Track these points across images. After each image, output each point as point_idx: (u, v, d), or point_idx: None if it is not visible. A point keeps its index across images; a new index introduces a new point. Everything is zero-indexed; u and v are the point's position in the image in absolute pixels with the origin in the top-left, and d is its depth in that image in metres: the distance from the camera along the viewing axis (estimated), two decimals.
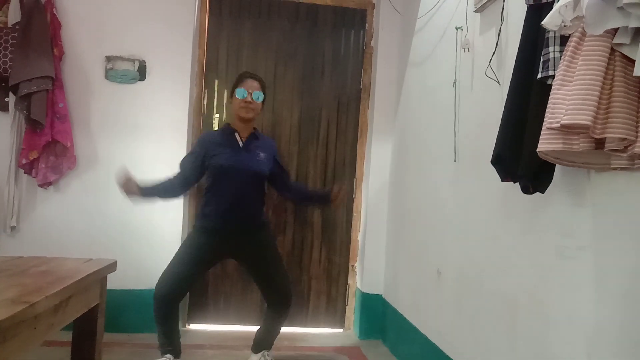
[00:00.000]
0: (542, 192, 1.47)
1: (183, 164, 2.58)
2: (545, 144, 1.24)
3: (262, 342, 2.66)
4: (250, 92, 2.49)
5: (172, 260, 2.51)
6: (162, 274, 2.48)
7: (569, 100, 1.15)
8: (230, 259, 2.78)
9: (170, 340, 2.49)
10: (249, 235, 2.52)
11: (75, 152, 3.00)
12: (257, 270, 2.60)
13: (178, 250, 2.57)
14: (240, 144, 2.53)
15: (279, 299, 2.61)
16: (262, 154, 2.55)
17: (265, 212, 2.73)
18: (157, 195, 2.54)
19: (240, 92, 2.49)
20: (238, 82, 2.55)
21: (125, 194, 2.45)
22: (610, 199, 1.30)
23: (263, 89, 2.55)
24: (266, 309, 2.67)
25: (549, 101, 1.24)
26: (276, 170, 2.61)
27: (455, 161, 2.27)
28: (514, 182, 1.56)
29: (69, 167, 3.00)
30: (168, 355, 2.47)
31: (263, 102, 2.57)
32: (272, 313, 2.63)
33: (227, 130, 2.57)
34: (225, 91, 3.33)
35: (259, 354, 2.65)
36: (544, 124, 1.25)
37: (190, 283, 2.57)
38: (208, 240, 2.49)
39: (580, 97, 1.12)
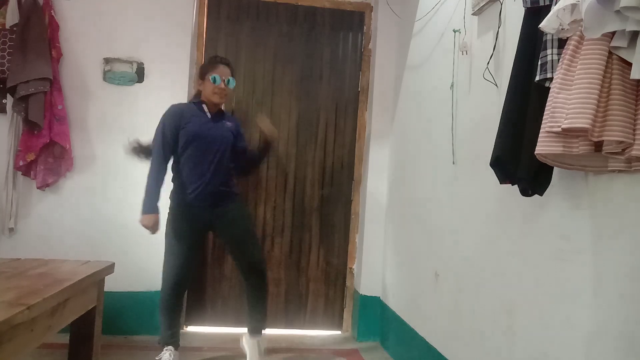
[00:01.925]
0: (541, 194, 1.47)
1: (158, 139, 2.56)
2: (545, 147, 1.25)
3: (254, 325, 2.72)
4: (224, 79, 2.60)
5: (166, 253, 2.58)
6: (164, 269, 2.57)
7: (570, 104, 1.15)
8: (210, 231, 2.83)
9: (173, 332, 2.58)
10: (223, 204, 2.61)
11: (72, 154, 3.00)
12: (232, 239, 2.67)
13: (166, 241, 2.60)
14: (209, 115, 2.63)
15: (253, 268, 2.67)
16: (228, 124, 2.68)
17: (234, 184, 2.76)
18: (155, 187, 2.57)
19: (214, 78, 2.57)
20: (210, 66, 2.63)
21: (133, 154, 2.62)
22: (608, 201, 1.30)
23: (233, 73, 2.68)
24: (245, 284, 2.74)
25: (548, 104, 1.24)
26: (238, 143, 2.71)
27: (453, 164, 2.27)
28: (513, 185, 1.56)
29: (67, 169, 2.99)
30: (169, 347, 2.56)
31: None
32: (250, 287, 2.70)
33: (193, 104, 2.65)
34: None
35: (254, 340, 2.71)
36: (543, 127, 1.25)
37: (192, 268, 2.65)
38: (189, 222, 2.57)
39: (580, 101, 1.13)
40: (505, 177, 1.57)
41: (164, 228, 2.61)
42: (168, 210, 2.64)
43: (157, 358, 2.54)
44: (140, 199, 3.06)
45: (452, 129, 2.28)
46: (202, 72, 2.64)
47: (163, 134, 2.55)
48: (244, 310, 2.82)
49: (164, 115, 2.60)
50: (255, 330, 2.72)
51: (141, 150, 2.70)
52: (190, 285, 2.64)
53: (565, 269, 1.45)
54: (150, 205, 2.52)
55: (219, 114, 2.67)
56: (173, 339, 2.58)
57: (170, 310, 2.56)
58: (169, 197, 2.66)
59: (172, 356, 2.55)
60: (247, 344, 2.73)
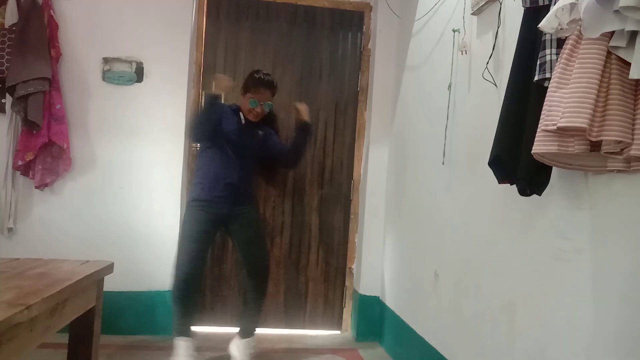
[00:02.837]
0: (539, 194, 1.47)
1: (202, 112, 2.67)
2: (540, 146, 1.25)
3: (246, 327, 2.80)
4: (262, 104, 2.71)
5: (181, 242, 2.67)
6: (178, 257, 2.64)
7: (566, 102, 1.15)
8: (223, 229, 2.87)
9: (188, 321, 2.64)
10: (241, 205, 2.72)
11: (71, 153, 2.99)
12: (245, 240, 2.75)
13: (183, 230, 2.70)
14: (243, 121, 2.75)
15: (260, 271, 2.76)
16: (260, 132, 2.79)
17: (253, 187, 2.91)
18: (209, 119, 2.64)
19: (253, 103, 2.69)
20: (253, 87, 2.71)
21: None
22: (607, 201, 1.30)
23: (274, 93, 2.78)
24: (247, 284, 2.80)
25: (545, 103, 1.24)
26: (268, 141, 2.82)
27: (452, 163, 2.28)
28: (511, 185, 1.56)
29: (64, 169, 2.99)
30: (184, 337, 2.62)
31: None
32: (252, 287, 2.76)
33: (233, 107, 2.79)
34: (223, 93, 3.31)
35: (245, 340, 2.77)
36: (539, 126, 1.25)
37: (204, 262, 2.72)
38: (206, 215, 2.65)
39: (577, 99, 1.13)
40: (503, 177, 1.57)
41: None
42: (186, 206, 2.76)
43: (174, 342, 2.61)
44: (139, 199, 3.09)
45: (451, 129, 2.28)
46: (244, 88, 2.75)
47: (207, 108, 2.64)
48: (239, 311, 2.88)
49: (219, 103, 2.72)
50: (247, 332, 2.79)
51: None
52: (201, 275, 2.74)
53: (565, 268, 1.45)
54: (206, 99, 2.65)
55: (255, 122, 2.78)
56: (187, 330, 2.64)
57: (182, 301, 2.61)
58: (189, 192, 2.79)
59: (188, 349, 2.61)
60: (238, 345, 2.77)
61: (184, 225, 2.71)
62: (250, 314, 2.80)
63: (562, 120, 1.14)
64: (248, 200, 2.79)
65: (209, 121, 2.60)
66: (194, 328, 2.71)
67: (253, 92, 2.69)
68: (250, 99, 2.69)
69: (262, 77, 2.73)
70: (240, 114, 2.76)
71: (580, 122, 1.11)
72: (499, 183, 1.61)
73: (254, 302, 2.78)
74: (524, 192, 1.50)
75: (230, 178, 2.67)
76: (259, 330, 2.93)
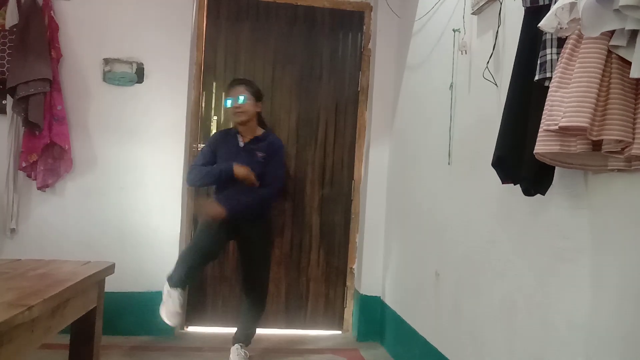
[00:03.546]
0: (543, 193, 1.47)
1: (203, 155, 2.77)
2: (542, 146, 1.25)
3: (238, 335, 2.81)
4: (235, 99, 2.68)
5: (196, 236, 2.66)
6: (193, 244, 2.62)
7: (567, 102, 1.15)
8: (234, 240, 2.90)
9: (187, 277, 2.57)
10: (251, 222, 2.71)
11: (72, 154, 3.00)
12: (246, 255, 2.78)
13: (200, 228, 2.66)
14: (241, 144, 2.72)
15: (254, 289, 2.78)
16: (260, 154, 2.70)
17: (267, 207, 2.84)
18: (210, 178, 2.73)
19: (226, 103, 2.71)
20: (227, 92, 2.77)
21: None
22: (608, 200, 1.30)
23: (249, 89, 2.72)
24: (243, 299, 2.86)
25: (546, 103, 1.24)
26: (268, 167, 2.72)
27: (452, 163, 2.27)
28: (515, 185, 1.56)
29: (66, 170, 2.99)
30: (178, 289, 2.54)
31: (257, 99, 2.75)
32: (247, 304, 2.81)
33: (231, 131, 2.80)
34: (224, 93, 3.33)
35: (235, 346, 2.77)
36: (541, 125, 1.25)
37: (212, 257, 2.70)
38: (223, 221, 2.61)
39: (578, 99, 1.13)
40: (507, 177, 1.56)
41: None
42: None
43: (165, 291, 2.56)
44: (140, 199, 3.09)
45: (452, 129, 2.28)
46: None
47: (204, 154, 2.77)
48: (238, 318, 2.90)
49: (210, 141, 2.83)
50: (241, 340, 2.80)
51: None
52: (202, 269, 2.79)
53: (565, 268, 1.45)
54: (224, 169, 2.65)
55: (253, 142, 2.73)
56: (183, 284, 2.58)
57: (183, 278, 2.55)
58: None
59: (180, 296, 2.56)
60: (233, 351, 2.77)
61: (200, 224, 2.66)
62: (245, 327, 2.82)
63: (563, 119, 1.14)
64: (260, 218, 2.77)
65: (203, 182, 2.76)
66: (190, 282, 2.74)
67: (227, 97, 2.75)
68: (225, 101, 2.73)
69: (233, 80, 2.86)
70: (238, 136, 2.75)
71: (581, 121, 1.11)
72: (502, 183, 1.60)
73: (248, 318, 2.81)
74: (528, 192, 1.50)
75: (234, 201, 2.63)
76: (260, 331, 2.93)
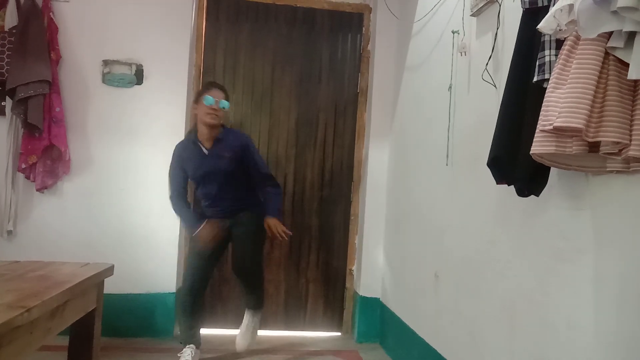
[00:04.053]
0: (537, 195, 1.47)
1: (171, 177, 2.77)
2: (538, 147, 1.25)
3: (247, 302, 2.84)
4: (217, 100, 2.63)
5: (188, 256, 2.79)
6: (184, 270, 2.77)
7: (562, 102, 1.15)
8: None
9: (193, 332, 2.71)
10: (239, 216, 2.73)
11: (70, 156, 2.99)
12: (236, 241, 2.75)
13: (190, 245, 2.78)
14: (205, 151, 2.68)
15: (240, 274, 2.76)
16: (226, 154, 2.69)
17: (254, 195, 2.83)
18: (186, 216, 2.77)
19: (207, 100, 2.61)
20: (205, 90, 2.70)
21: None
22: (607, 202, 1.30)
23: (227, 99, 2.70)
24: (240, 283, 2.84)
25: (543, 104, 1.24)
26: (247, 164, 2.73)
27: (452, 165, 2.28)
28: (509, 185, 1.56)
29: (64, 172, 2.99)
30: (191, 345, 2.68)
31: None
32: (242, 289, 2.84)
33: (190, 140, 2.71)
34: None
35: (249, 312, 2.83)
36: (537, 126, 1.25)
37: (208, 274, 2.75)
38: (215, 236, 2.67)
39: (574, 100, 1.13)
40: (501, 178, 1.57)
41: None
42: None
43: (178, 355, 2.65)
44: (139, 201, 3.09)
45: (451, 130, 2.28)
46: (197, 96, 2.71)
47: (173, 174, 2.75)
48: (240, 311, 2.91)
49: (172, 156, 2.75)
50: (249, 306, 2.83)
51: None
52: (204, 290, 2.77)
53: (565, 269, 1.45)
54: (190, 224, 2.70)
55: (216, 145, 2.68)
56: (194, 338, 2.70)
57: (187, 310, 2.67)
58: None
59: (194, 354, 2.66)
60: (245, 318, 2.83)
61: (192, 240, 2.75)
62: (248, 297, 2.83)
63: (558, 120, 1.14)
64: (245, 210, 2.74)
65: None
66: (200, 333, 2.76)
67: (205, 93, 2.64)
68: (204, 97, 2.60)
69: (211, 82, 2.84)
70: (199, 144, 2.68)
71: (577, 122, 1.11)
72: (497, 184, 1.61)
73: (246, 299, 2.84)
74: (521, 192, 1.50)
75: (216, 202, 2.71)
76: (259, 332, 2.93)
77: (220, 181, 2.68)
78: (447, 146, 2.30)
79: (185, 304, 2.68)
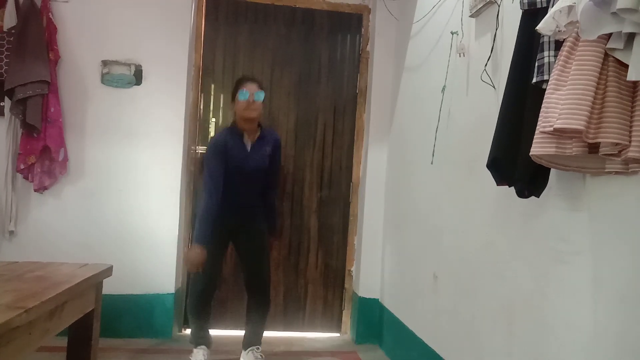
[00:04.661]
0: (537, 196, 1.48)
1: (215, 174, 2.57)
2: (538, 148, 1.25)
3: (249, 338, 2.78)
4: (252, 93, 2.60)
5: (193, 276, 2.76)
6: (192, 276, 2.76)
7: (562, 104, 1.15)
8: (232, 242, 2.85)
9: (204, 332, 2.74)
10: (251, 219, 2.74)
11: (65, 156, 2.97)
12: (247, 253, 2.78)
13: None
14: (249, 146, 2.68)
15: (259, 287, 2.76)
16: (267, 148, 2.73)
17: (263, 208, 2.85)
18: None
19: (242, 94, 2.59)
20: (239, 85, 2.66)
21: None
22: (606, 203, 1.30)
23: (262, 88, 2.69)
24: (248, 300, 2.81)
25: (542, 105, 1.24)
26: (273, 161, 2.78)
27: (451, 165, 2.28)
28: (509, 186, 1.56)
29: (61, 172, 2.99)
30: (202, 346, 2.71)
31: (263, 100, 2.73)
32: (253, 304, 2.78)
33: (235, 132, 2.66)
34: (222, 95, 3.34)
35: (248, 350, 2.75)
36: (537, 127, 1.26)
37: (218, 274, 2.81)
38: (218, 233, 2.61)
39: (574, 101, 1.13)
40: (501, 179, 1.57)
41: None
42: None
43: (190, 357, 2.70)
44: (138, 201, 3.08)
45: (436, 130, 2.28)
46: (233, 94, 2.67)
47: (214, 166, 2.57)
48: (243, 317, 2.87)
49: (214, 148, 2.61)
50: (252, 343, 2.78)
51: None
52: (214, 291, 2.79)
53: (563, 270, 1.45)
54: (206, 236, 2.51)
55: (259, 141, 2.69)
56: (205, 339, 2.73)
57: (198, 313, 2.71)
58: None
59: (205, 356, 2.69)
60: (249, 357, 2.74)
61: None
62: (253, 329, 2.79)
63: (558, 121, 1.14)
64: (258, 214, 2.78)
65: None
66: (210, 334, 2.78)
67: (240, 88, 2.62)
68: (239, 92, 2.59)
69: (244, 76, 2.83)
70: (244, 137, 2.66)
71: (577, 123, 1.11)
72: (497, 185, 1.61)
73: (256, 319, 2.77)
74: (521, 193, 1.50)
75: (241, 201, 2.68)
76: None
77: (253, 178, 2.69)
78: (448, 146, 2.29)
79: (198, 306, 2.70)
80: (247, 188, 2.69)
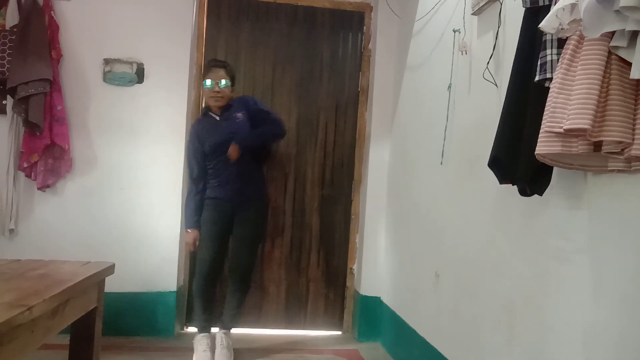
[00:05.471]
0: (540, 194, 1.47)
1: (191, 160, 2.80)
2: (544, 147, 1.24)
3: (224, 320, 2.89)
4: (217, 82, 2.70)
5: (201, 242, 2.78)
6: (199, 256, 2.79)
7: (571, 104, 1.15)
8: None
9: (207, 317, 2.81)
10: (245, 199, 2.80)
11: (71, 155, 3.00)
12: (236, 236, 2.83)
13: (202, 231, 2.79)
14: (217, 117, 2.79)
15: (236, 272, 2.84)
16: (239, 114, 2.78)
17: (264, 185, 2.99)
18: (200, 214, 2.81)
19: (207, 83, 2.71)
20: (205, 72, 2.78)
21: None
22: (607, 201, 1.30)
23: (229, 73, 2.76)
24: (229, 282, 2.92)
25: (547, 104, 1.24)
26: (258, 117, 2.81)
27: (452, 164, 2.27)
28: (512, 185, 1.56)
29: (66, 170, 2.99)
30: (206, 334, 2.79)
31: (233, 84, 2.80)
32: (231, 287, 2.88)
33: (203, 112, 2.88)
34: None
35: (220, 333, 2.84)
36: (542, 127, 1.25)
37: (220, 259, 2.84)
38: (216, 213, 2.76)
39: (581, 101, 1.13)
40: (504, 177, 1.57)
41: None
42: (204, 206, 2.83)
43: (193, 342, 2.77)
44: (140, 199, 3.09)
45: (445, 130, 2.28)
46: (203, 79, 2.80)
47: (190, 153, 2.80)
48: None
49: (189, 136, 2.86)
50: (224, 325, 2.87)
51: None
52: (221, 273, 2.92)
53: (564, 269, 1.45)
54: (191, 221, 2.77)
55: (225, 111, 2.78)
56: (207, 322, 2.81)
57: (203, 297, 2.78)
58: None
59: (209, 343, 2.75)
60: (217, 337, 2.83)
61: (202, 225, 2.80)
62: (227, 310, 2.89)
63: (568, 122, 1.14)
64: (252, 195, 2.83)
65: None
66: (212, 325, 2.85)
67: (205, 76, 2.74)
68: (204, 82, 2.72)
69: (211, 59, 2.88)
70: (211, 114, 2.81)
71: (584, 123, 1.11)
72: (500, 183, 1.61)
73: (231, 300, 2.87)
74: (524, 192, 1.50)
75: (235, 178, 2.75)
76: (259, 331, 2.94)
77: (237, 160, 2.72)
78: (449, 145, 2.29)
79: (199, 290, 2.77)
80: (233, 166, 2.72)
